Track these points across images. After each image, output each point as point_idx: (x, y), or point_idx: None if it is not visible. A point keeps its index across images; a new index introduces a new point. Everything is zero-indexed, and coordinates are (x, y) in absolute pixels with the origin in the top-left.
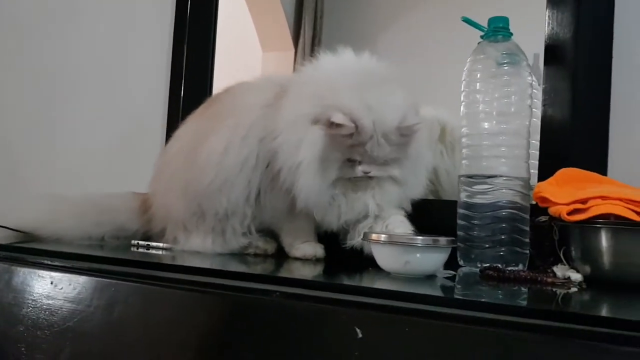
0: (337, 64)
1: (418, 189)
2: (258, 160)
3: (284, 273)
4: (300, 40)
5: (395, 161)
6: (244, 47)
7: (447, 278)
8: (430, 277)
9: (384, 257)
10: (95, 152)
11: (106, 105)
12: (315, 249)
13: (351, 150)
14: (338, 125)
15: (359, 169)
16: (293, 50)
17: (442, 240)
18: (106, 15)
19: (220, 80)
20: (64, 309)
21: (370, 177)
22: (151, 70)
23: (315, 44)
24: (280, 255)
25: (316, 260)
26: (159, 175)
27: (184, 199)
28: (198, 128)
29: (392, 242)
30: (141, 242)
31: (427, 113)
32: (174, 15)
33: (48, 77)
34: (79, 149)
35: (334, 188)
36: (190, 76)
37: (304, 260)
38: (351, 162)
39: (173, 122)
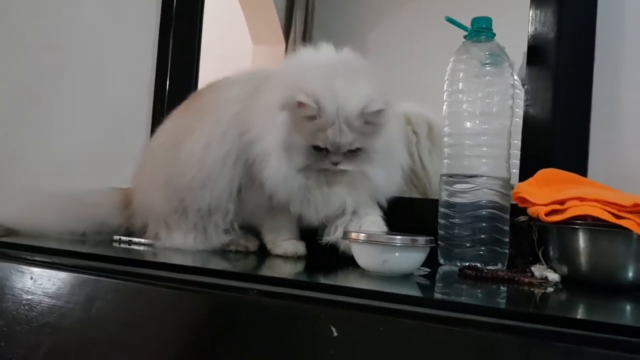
0: (314, 57)
1: (392, 186)
2: (239, 155)
3: (264, 271)
4: (291, 35)
5: (364, 156)
6: (234, 39)
7: (424, 277)
8: (407, 276)
9: (363, 256)
10: (79, 147)
11: (90, 100)
12: (296, 247)
13: (314, 136)
14: (301, 105)
15: (327, 161)
16: (284, 44)
17: (421, 239)
18: (90, 8)
19: (211, 72)
20: (43, 304)
21: (343, 171)
22: (136, 64)
23: (306, 39)
24: (263, 253)
25: (297, 258)
26: (141, 170)
27: (166, 195)
28: (181, 124)
29: (370, 241)
30: (123, 238)
31: (413, 110)
32: (159, 8)
33: (31, 71)
34: (62, 143)
35: (305, 178)
36: (176, 70)
37: (285, 257)
38: (319, 152)
39: (158, 116)
